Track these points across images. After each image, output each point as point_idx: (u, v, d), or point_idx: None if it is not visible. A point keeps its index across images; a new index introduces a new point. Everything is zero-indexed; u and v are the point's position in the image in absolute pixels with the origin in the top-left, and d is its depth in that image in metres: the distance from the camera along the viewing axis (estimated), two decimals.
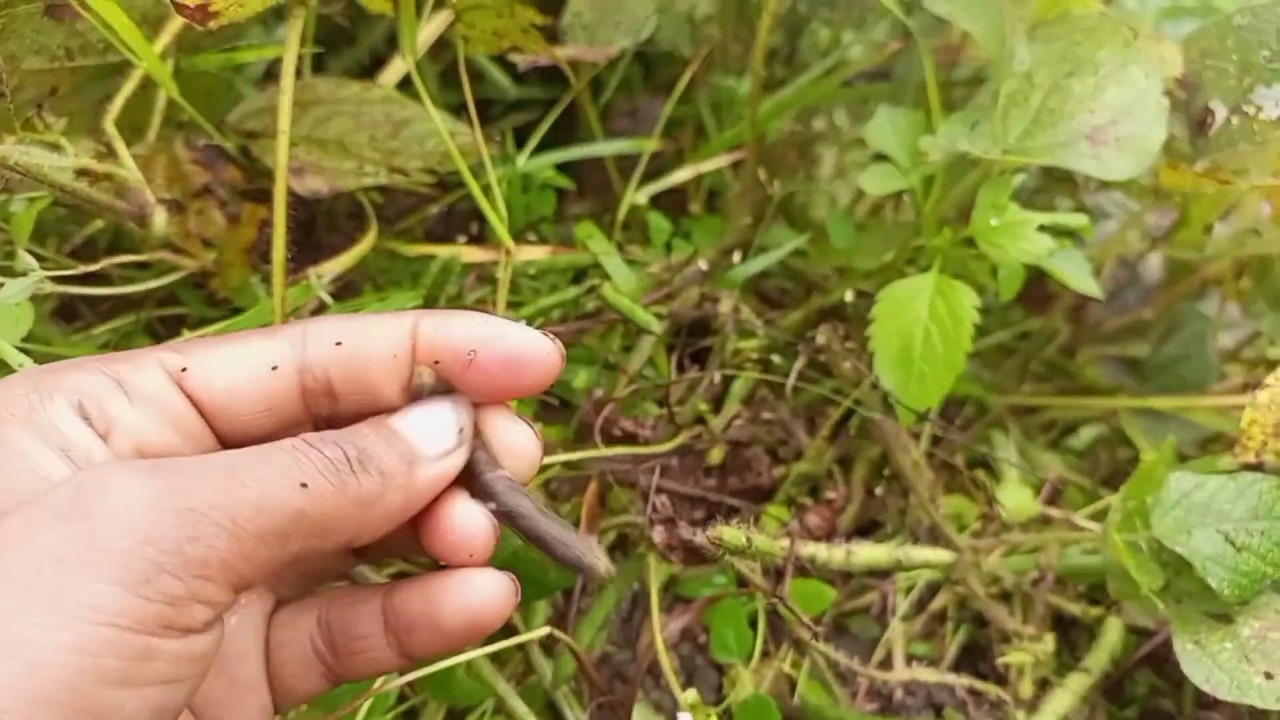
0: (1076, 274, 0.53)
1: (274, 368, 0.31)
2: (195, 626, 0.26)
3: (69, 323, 0.58)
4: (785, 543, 0.46)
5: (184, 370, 0.31)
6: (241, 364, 0.31)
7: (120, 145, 0.48)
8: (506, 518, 0.32)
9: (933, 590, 0.60)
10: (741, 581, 0.54)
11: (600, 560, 0.32)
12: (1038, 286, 0.78)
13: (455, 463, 0.32)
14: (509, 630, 0.52)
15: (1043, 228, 0.51)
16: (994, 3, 0.50)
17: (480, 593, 0.32)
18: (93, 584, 0.24)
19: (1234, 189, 0.59)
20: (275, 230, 0.45)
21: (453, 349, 0.32)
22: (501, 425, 0.33)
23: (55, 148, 0.50)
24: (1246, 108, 0.64)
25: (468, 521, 0.32)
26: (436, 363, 0.32)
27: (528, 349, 0.32)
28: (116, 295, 0.56)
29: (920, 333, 0.51)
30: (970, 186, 0.56)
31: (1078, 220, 0.52)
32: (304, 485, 0.27)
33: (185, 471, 0.26)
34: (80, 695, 0.23)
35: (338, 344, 0.32)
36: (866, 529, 0.65)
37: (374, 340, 0.32)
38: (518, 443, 0.33)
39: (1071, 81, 0.54)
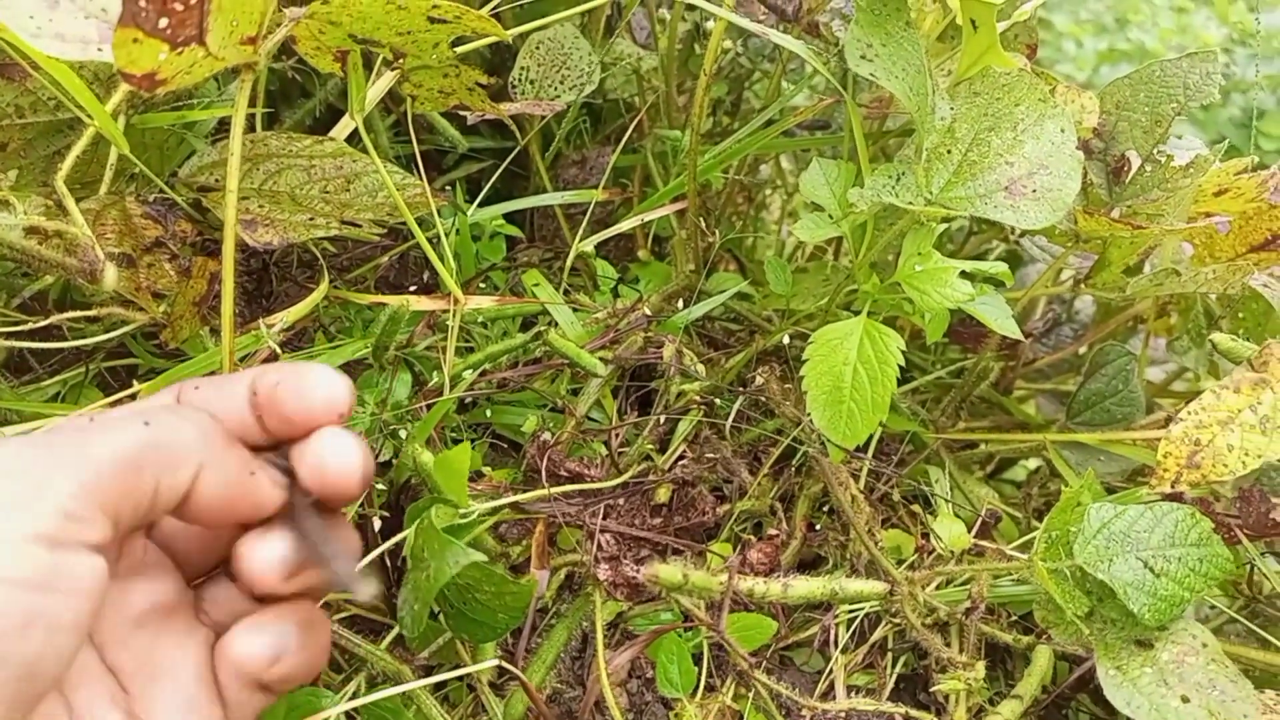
0: (997, 316, 0.56)
1: None
2: (66, 542, 0.30)
3: (18, 376, 0.59)
4: (723, 578, 0.48)
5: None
6: None
7: (70, 203, 0.49)
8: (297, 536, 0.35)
9: (873, 622, 0.62)
10: (687, 616, 0.56)
11: (364, 586, 0.33)
12: (971, 325, 0.81)
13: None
14: (458, 668, 0.52)
15: (964, 274, 0.53)
16: (915, 64, 0.53)
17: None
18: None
19: (1147, 233, 0.63)
20: (224, 286, 0.47)
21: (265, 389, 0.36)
22: (327, 439, 0.36)
23: (4, 204, 0.51)
24: (1158, 156, 0.68)
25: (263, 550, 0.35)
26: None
27: (312, 379, 0.36)
28: (66, 348, 0.56)
29: (849, 374, 0.53)
30: (899, 234, 0.58)
31: (997, 267, 0.55)
32: (146, 423, 0.32)
33: (59, 430, 0.32)
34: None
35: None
36: (810, 563, 0.67)
37: (224, 402, 0.36)
38: (337, 453, 0.35)
39: (991, 135, 0.57)
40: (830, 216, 0.58)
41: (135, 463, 0.32)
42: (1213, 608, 0.72)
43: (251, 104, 0.75)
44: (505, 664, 0.47)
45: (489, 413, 0.66)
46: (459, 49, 0.56)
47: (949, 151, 0.56)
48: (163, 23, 0.38)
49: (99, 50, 0.44)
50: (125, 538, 0.35)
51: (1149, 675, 0.49)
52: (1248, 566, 0.70)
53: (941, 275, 0.52)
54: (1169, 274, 0.68)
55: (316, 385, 0.36)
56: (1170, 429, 0.54)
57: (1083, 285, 0.69)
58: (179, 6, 0.38)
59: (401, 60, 0.57)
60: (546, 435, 0.61)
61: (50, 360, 0.59)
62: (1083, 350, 0.98)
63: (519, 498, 0.55)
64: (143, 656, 0.35)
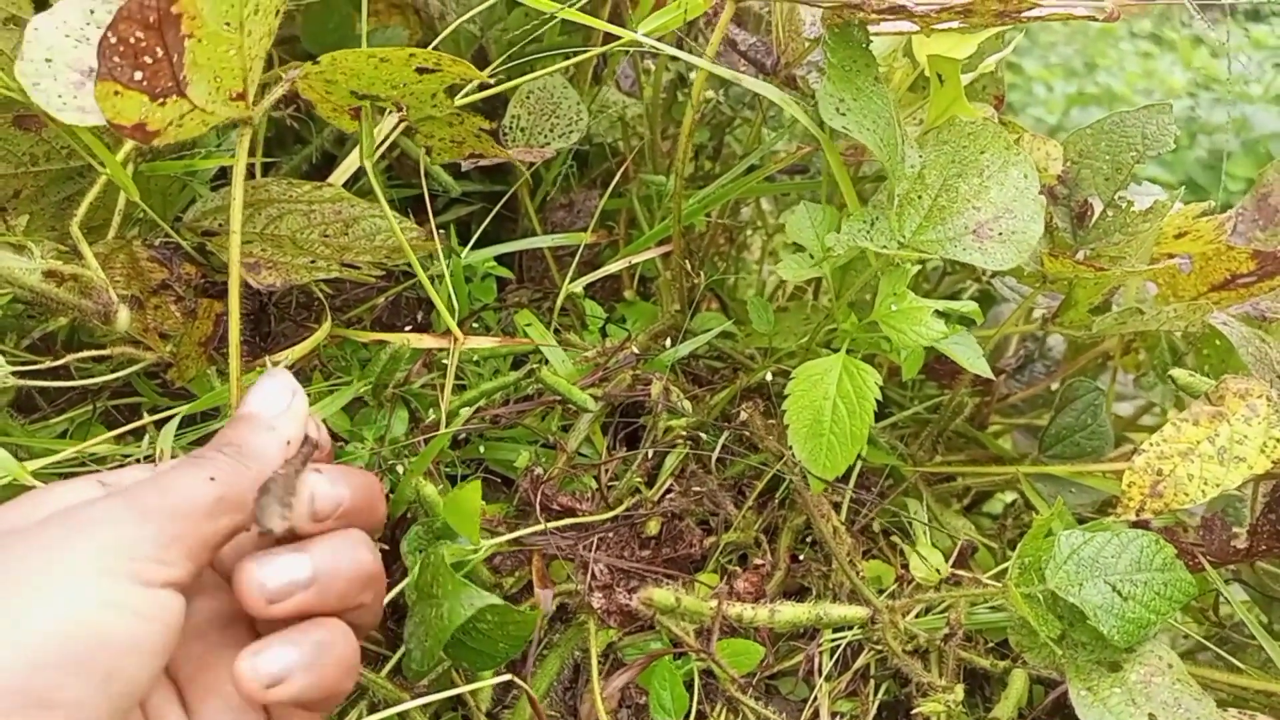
0: (968, 355, 0.58)
1: None
2: (156, 579, 0.35)
3: (26, 414, 0.61)
4: (713, 603, 0.50)
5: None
6: None
7: (85, 247, 0.51)
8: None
9: (855, 651, 0.64)
10: (676, 643, 0.58)
11: (266, 519, 0.37)
12: (946, 362, 0.84)
13: (299, 405, 0.42)
14: (458, 700, 0.54)
15: (938, 313, 0.56)
16: (885, 116, 0.57)
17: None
18: (87, 552, 0.34)
19: (1110, 275, 0.66)
20: (231, 325, 0.49)
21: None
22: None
23: (20, 249, 0.53)
24: (1119, 202, 0.71)
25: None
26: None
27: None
28: (74, 387, 0.58)
29: (829, 408, 0.56)
30: (876, 275, 0.61)
31: (968, 307, 0.58)
32: (212, 478, 0.37)
33: (135, 489, 0.37)
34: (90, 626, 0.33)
35: None
36: (794, 593, 0.69)
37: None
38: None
39: (959, 182, 0.60)
40: (811, 257, 0.61)
41: (210, 513, 0.37)
42: (1186, 636, 0.74)
43: (251, 152, 0.78)
44: (517, 680, 0.49)
45: (482, 449, 0.68)
46: (458, 100, 0.59)
47: (920, 197, 0.60)
48: (137, 75, 0.41)
49: None
50: None
51: (1118, 695, 0.51)
52: (1216, 594, 0.73)
53: (916, 315, 0.55)
54: (1132, 313, 0.72)
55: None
56: (1134, 460, 0.57)
57: (1051, 324, 0.72)
58: (149, 60, 0.41)
59: (405, 111, 0.59)
60: (539, 470, 0.63)
61: (58, 399, 0.61)
62: (1055, 386, 1.01)
63: (518, 534, 0.57)
64: (199, 667, 0.39)
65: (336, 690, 0.39)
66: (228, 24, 0.44)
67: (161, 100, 0.43)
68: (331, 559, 0.39)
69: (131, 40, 0.39)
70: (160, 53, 0.41)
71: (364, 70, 0.52)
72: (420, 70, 0.54)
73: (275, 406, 0.41)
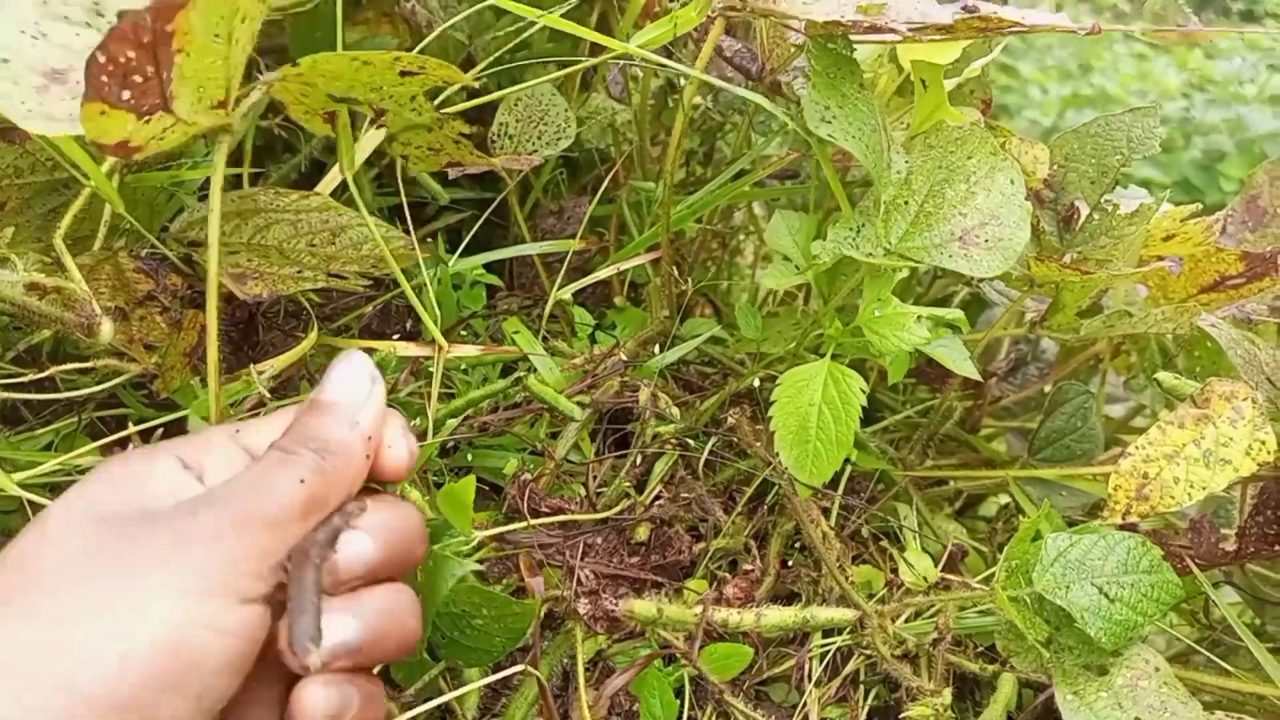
0: (955, 358, 0.58)
1: None
2: (252, 595, 0.35)
3: (11, 426, 0.61)
4: (698, 610, 0.50)
5: (237, 431, 0.41)
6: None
7: (69, 260, 0.51)
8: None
9: (845, 656, 0.64)
10: (667, 648, 0.58)
11: (312, 654, 0.36)
12: (936, 366, 0.84)
13: (379, 395, 0.41)
14: (445, 710, 0.54)
15: (922, 318, 0.56)
16: (870, 123, 0.57)
17: None
18: (190, 570, 0.34)
19: (1096, 278, 0.66)
20: (209, 339, 0.49)
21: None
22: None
23: (3, 262, 0.53)
24: (1105, 205, 0.71)
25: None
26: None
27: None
28: (60, 399, 0.58)
29: (815, 414, 0.56)
30: (862, 280, 0.61)
31: (953, 314, 0.58)
32: (302, 480, 0.37)
33: (231, 495, 0.37)
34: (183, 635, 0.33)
35: None
36: (784, 599, 0.69)
37: None
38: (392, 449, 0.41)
39: (945, 188, 0.60)
40: (796, 265, 0.61)
41: (303, 517, 0.37)
42: (1178, 638, 0.74)
43: (238, 161, 0.78)
44: (530, 669, 0.49)
45: (470, 456, 0.68)
46: (443, 110, 0.59)
47: (906, 203, 0.60)
48: (125, 94, 0.41)
49: None
50: None
51: (1105, 699, 0.51)
52: (1207, 597, 0.73)
53: (900, 320, 0.55)
54: (1120, 316, 0.72)
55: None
56: (1120, 463, 0.57)
57: (1039, 327, 0.73)
58: (139, 79, 0.40)
59: (384, 116, 0.59)
60: (527, 476, 0.63)
61: (43, 411, 0.61)
62: (1048, 389, 1.01)
63: (503, 529, 0.57)
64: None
65: None
66: (217, 35, 0.44)
67: (147, 118, 0.43)
68: (381, 622, 0.38)
69: (122, 60, 0.39)
70: (151, 71, 0.40)
71: (345, 73, 0.52)
72: (403, 74, 0.53)
73: (356, 395, 0.40)
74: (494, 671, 0.58)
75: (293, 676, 0.38)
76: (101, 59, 0.39)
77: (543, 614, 0.59)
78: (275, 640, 0.38)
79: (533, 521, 0.60)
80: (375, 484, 0.42)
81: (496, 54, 0.78)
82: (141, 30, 0.39)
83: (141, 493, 0.37)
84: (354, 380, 0.41)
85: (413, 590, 0.41)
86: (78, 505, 0.36)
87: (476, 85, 0.73)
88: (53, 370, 0.54)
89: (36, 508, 0.52)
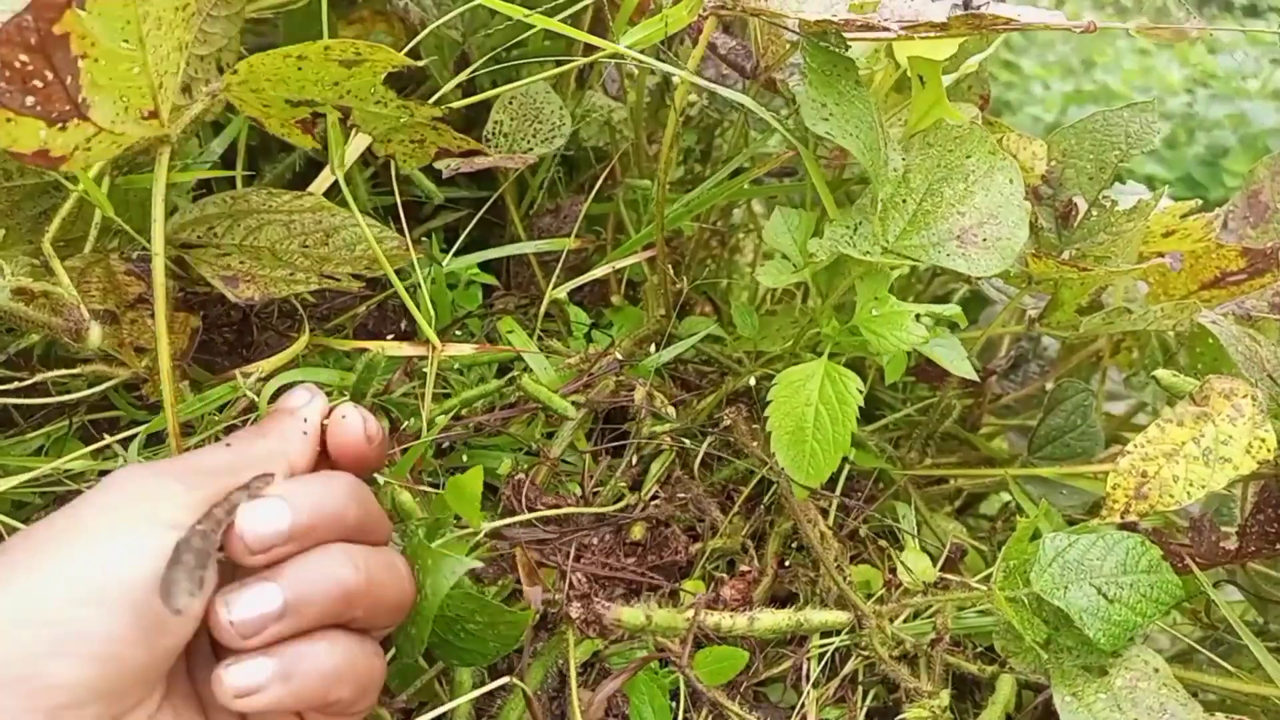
0: (953, 357, 0.58)
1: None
2: (182, 525, 0.38)
3: (1, 429, 0.60)
4: (689, 615, 0.50)
5: None
6: None
7: (57, 265, 0.51)
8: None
9: (844, 657, 0.64)
10: (661, 651, 0.57)
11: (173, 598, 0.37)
12: (935, 365, 0.83)
13: (319, 404, 0.47)
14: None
15: (919, 316, 0.56)
16: (868, 121, 0.56)
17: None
18: (117, 504, 0.39)
19: (1094, 275, 0.66)
20: (159, 347, 0.47)
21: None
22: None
23: None
24: (1103, 201, 0.71)
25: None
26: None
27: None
28: (50, 403, 0.58)
29: (811, 414, 0.55)
30: (858, 278, 0.61)
31: (951, 310, 0.57)
32: (228, 445, 0.43)
33: (161, 461, 0.42)
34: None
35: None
36: (782, 599, 0.69)
37: None
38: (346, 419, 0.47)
39: (944, 186, 0.60)
40: (792, 263, 0.61)
41: (230, 471, 0.41)
42: (1179, 638, 0.74)
43: (231, 162, 0.77)
44: (516, 680, 0.49)
45: (465, 457, 0.67)
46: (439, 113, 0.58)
47: (904, 201, 0.59)
48: (29, 100, 0.39)
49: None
50: None
51: (1103, 701, 0.51)
52: (1208, 596, 0.72)
53: (897, 319, 0.55)
54: (1120, 312, 0.71)
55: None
56: (1118, 462, 0.56)
57: (1038, 325, 0.72)
58: (39, 84, 0.39)
59: (351, 115, 0.58)
60: (521, 476, 0.63)
61: (33, 414, 0.61)
62: (1049, 386, 1.01)
63: (497, 524, 0.57)
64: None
65: (327, 698, 0.40)
66: (125, 41, 0.42)
67: (61, 125, 0.41)
68: (304, 584, 0.39)
69: (16, 64, 0.38)
70: (50, 75, 0.39)
71: (287, 73, 0.50)
72: (345, 64, 0.51)
73: (298, 400, 0.47)
74: (488, 673, 0.57)
75: None
76: None
77: (538, 616, 0.59)
78: None
79: (530, 515, 0.59)
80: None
81: (491, 52, 0.78)
82: (26, 31, 0.38)
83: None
84: (299, 393, 0.48)
85: (394, 554, 0.45)
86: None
87: (471, 82, 0.73)
88: (43, 375, 0.53)
89: (21, 514, 0.52)
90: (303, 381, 0.50)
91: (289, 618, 0.39)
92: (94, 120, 0.42)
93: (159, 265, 0.46)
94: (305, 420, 0.46)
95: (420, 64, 0.56)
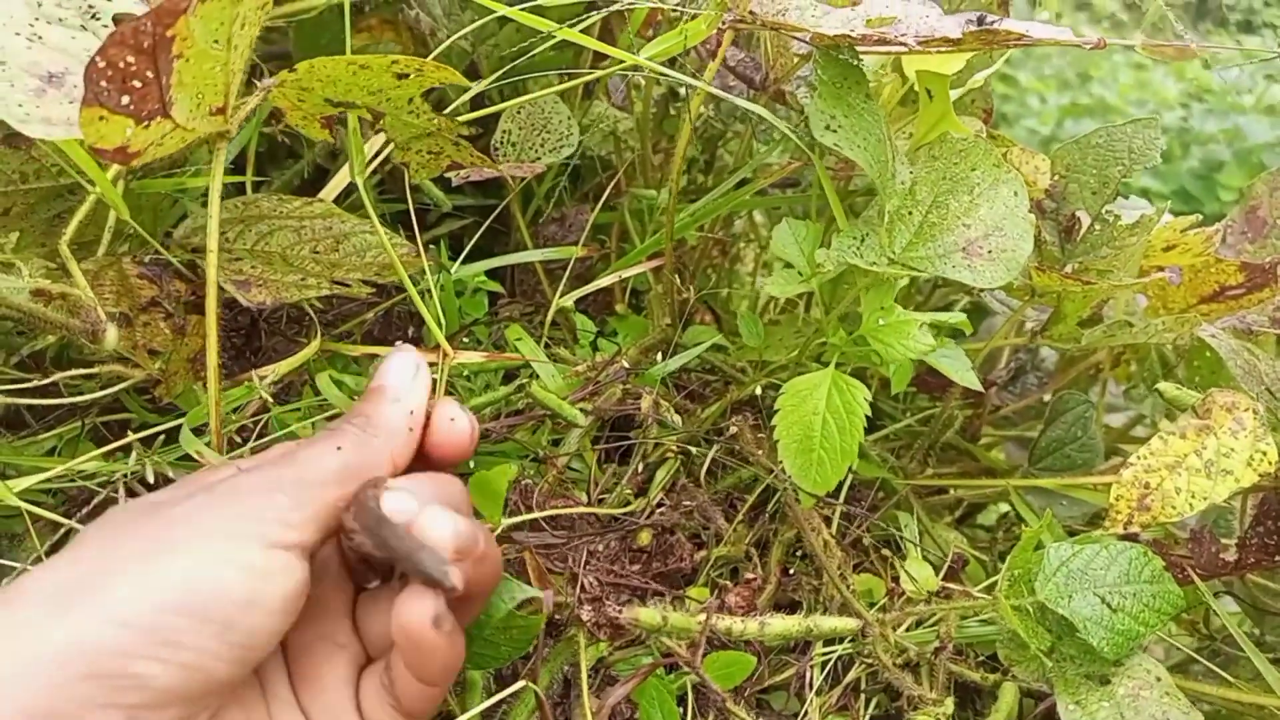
0: (958, 368, 0.59)
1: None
2: (280, 541, 0.38)
3: (14, 431, 0.60)
4: (701, 618, 0.50)
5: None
6: None
7: (74, 266, 0.51)
8: (375, 533, 0.40)
9: (846, 665, 0.64)
10: (669, 656, 0.58)
11: (449, 573, 0.39)
12: (937, 375, 0.84)
13: (424, 378, 0.46)
14: (446, 716, 0.54)
15: (925, 326, 0.57)
16: (876, 133, 0.57)
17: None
18: (218, 516, 0.38)
19: (1097, 289, 0.66)
20: (209, 346, 0.49)
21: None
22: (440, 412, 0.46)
23: (9, 267, 0.53)
24: (1106, 216, 0.72)
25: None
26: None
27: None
28: (63, 405, 0.58)
29: (819, 423, 0.56)
30: (865, 289, 0.61)
31: (957, 319, 0.58)
32: (339, 448, 0.41)
33: (269, 463, 0.41)
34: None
35: None
36: (785, 607, 0.69)
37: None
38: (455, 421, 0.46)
39: (949, 199, 0.60)
40: (800, 273, 0.61)
41: (338, 481, 0.40)
42: (1177, 648, 0.75)
43: (241, 168, 0.78)
44: (531, 685, 0.49)
45: (472, 463, 0.68)
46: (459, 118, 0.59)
47: (910, 213, 0.60)
48: (125, 100, 0.41)
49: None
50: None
51: (1106, 709, 0.51)
52: (1207, 607, 0.73)
53: (904, 329, 0.55)
54: (1121, 326, 0.72)
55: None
56: (1121, 473, 0.57)
57: (1040, 337, 0.73)
58: (138, 84, 0.41)
59: (382, 120, 0.59)
60: (528, 482, 0.63)
61: (46, 416, 0.61)
62: (1047, 397, 1.02)
63: (509, 520, 0.57)
64: (307, 651, 0.43)
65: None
66: (216, 42, 0.44)
67: (146, 123, 0.43)
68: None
69: (121, 65, 0.39)
70: (150, 75, 0.40)
71: (342, 77, 0.52)
72: (400, 76, 0.53)
73: (402, 379, 0.45)
74: (494, 679, 0.58)
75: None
76: (100, 63, 0.39)
77: (544, 621, 0.59)
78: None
79: (540, 514, 0.60)
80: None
81: (501, 62, 0.78)
82: (142, 35, 0.39)
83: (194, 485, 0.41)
84: (401, 367, 0.45)
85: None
86: (134, 503, 0.41)
87: (479, 92, 0.73)
88: (57, 376, 0.54)
89: (37, 516, 0.52)
90: (404, 346, 0.47)
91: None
92: (173, 117, 0.44)
93: (212, 261, 0.47)
94: (411, 414, 0.44)
95: (470, 84, 0.57)
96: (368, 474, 0.41)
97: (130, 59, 0.40)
